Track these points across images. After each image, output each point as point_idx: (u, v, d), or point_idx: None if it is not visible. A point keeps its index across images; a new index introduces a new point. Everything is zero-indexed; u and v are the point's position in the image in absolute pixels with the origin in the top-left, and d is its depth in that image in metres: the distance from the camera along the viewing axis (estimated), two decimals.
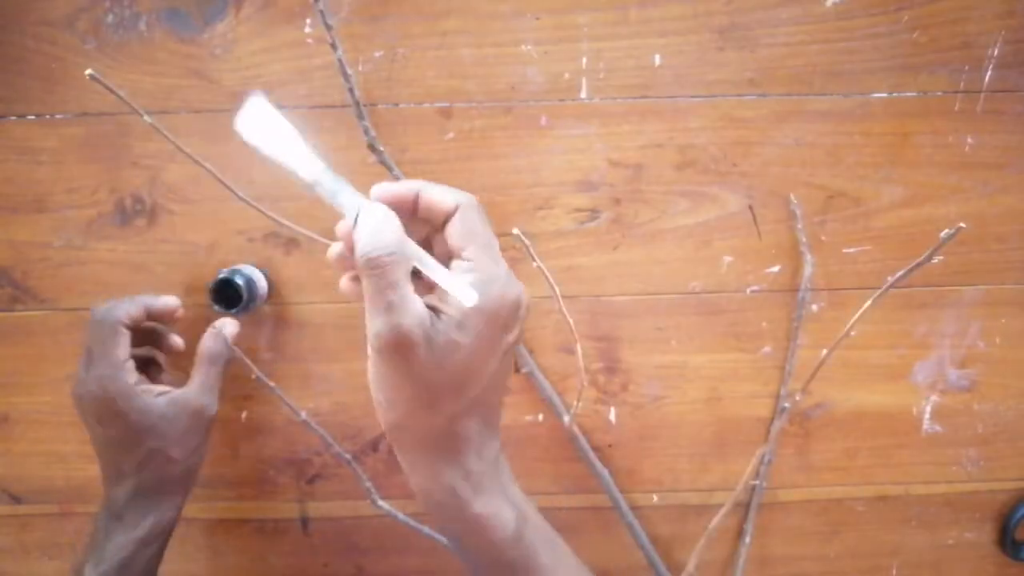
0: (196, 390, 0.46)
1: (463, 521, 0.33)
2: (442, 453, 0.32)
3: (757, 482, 0.55)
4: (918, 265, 0.44)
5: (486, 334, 0.31)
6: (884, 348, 0.54)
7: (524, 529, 0.33)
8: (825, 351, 0.51)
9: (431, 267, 0.31)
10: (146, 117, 0.45)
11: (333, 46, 0.48)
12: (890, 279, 0.49)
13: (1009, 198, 0.52)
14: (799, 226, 0.52)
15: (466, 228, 0.31)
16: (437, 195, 0.32)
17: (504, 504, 0.33)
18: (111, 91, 0.44)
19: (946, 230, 0.42)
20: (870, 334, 0.54)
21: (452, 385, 0.31)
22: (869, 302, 0.49)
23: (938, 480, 0.56)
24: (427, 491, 0.33)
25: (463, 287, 0.30)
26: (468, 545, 0.34)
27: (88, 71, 0.42)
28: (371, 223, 0.31)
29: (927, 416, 0.55)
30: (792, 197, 0.51)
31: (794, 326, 0.53)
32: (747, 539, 0.55)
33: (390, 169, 0.51)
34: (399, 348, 0.30)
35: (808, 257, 0.52)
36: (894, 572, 0.57)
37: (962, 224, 0.42)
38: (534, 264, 0.49)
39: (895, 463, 0.56)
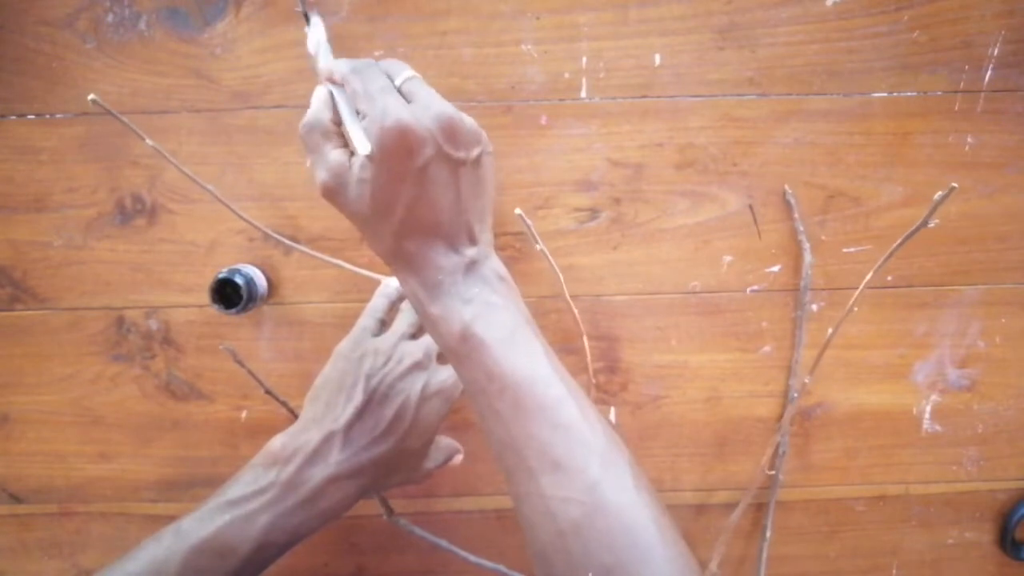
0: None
1: (422, 317, 0.39)
2: (400, 266, 0.39)
3: (774, 472, 0.55)
4: (915, 231, 0.44)
5: (383, 166, 0.36)
6: (884, 348, 0.54)
7: (473, 328, 0.37)
8: (830, 330, 0.51)
9: (346, 125, 0.38)
10: (148, 141, 0.45)
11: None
12: (890, 277, 0.49)
13: (1009, 198, 0.52)
14: (795, 216, 0.51)
15: (353, 90, 0.38)
16: (336, 72, 0.39)
17: (457, 307, 0.38)
18: (115, 116, 0.44)
19: (939, 192, 0.42)
20: (870, 334, 0.54)
21: (377, 213, 0.37)
22: (870, 274, 0.48)
23: (938, 480, 0.56)
24: (407, 296, 0.40)
25: (359, 138, 0.37)
26: (432, 337, 0.40)
27: (91, 96, 0.42)
28: (311, 103, 0.39)
29: (927, 416, 0.55)
30: (787, 188, 0.51)
31: (797, 315, 0.53)
32: (767, 533, 0.55)
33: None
34: (327, 195, 0.38)
35: (806, 245, 0.52)
36: (894, 572, 0.57)
37: (954, 184, 0.42)
38: (537, 246, 0.49)
39: (895, 463, 0.56)
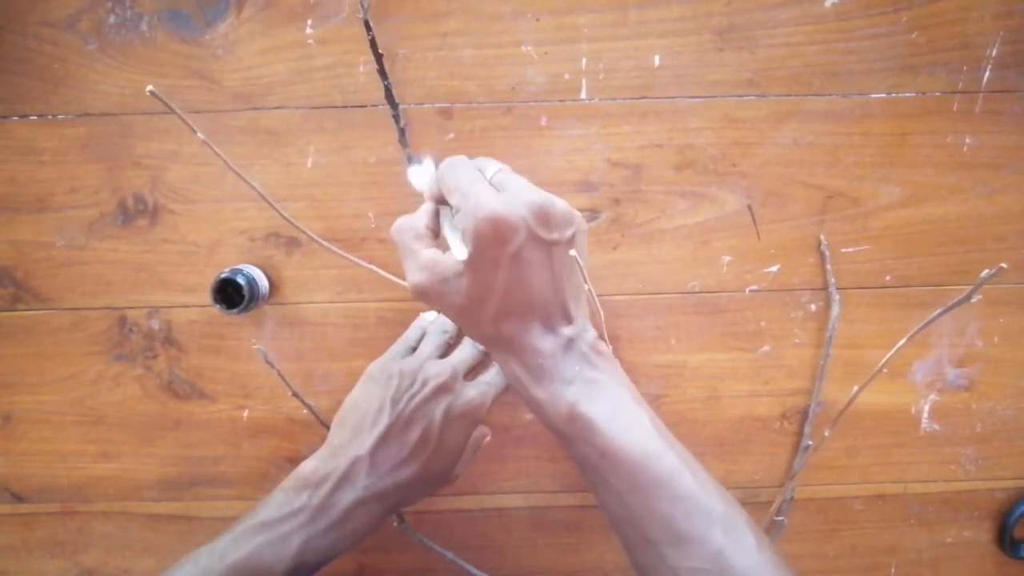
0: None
1: (527, 401, 0.40)
2: (500, 351, 0.40)
3: (797, 467, 0.55)
4: (956, 304, 0.45)
5: (477, 257, 0.37)
6: (883, 347, 0.54)
7: (579, 409, 0.38)
8: (856, 389, 0.51)
9: (445, 233, 0.41)
10: (199, 135, 0.45)
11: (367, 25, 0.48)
12: (935, 313, 0.49)
13: (1007, 198, 0.52)
14: (828, 267, 0.52)
15: (445, 186, 0.39)
16: (436, 176, 0.41)
17: (560, 389, 0.39)
18: (170, 108, 0.43)
19: (987, 270, 0.42)
20: (869, 333, 0.54)
21: (474, 300, 0.38)
22: (903, 340, 0.49)
23: (936, 479, 0.56)
24: (508, 378, 0.41)
25: (456, 243, 0.39)
26: (538, 419, 0.40)
27: (149, 88, 0.41)
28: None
29: (925, 415, 0.55)
30: (822, 237, 0.52)
31: (820, 364, 0.53)
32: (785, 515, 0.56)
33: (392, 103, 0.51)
34: (420, 295, 0.40)
35: (836, 296, 0.52)
36: (893, 570, 0.57)
37: (1003, 264, 0.42)
38: (585, 287, 0.49)
39: (894, 462, 0.56)
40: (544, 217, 0.37)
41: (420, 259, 0.39)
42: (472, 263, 0.37)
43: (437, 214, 0.42)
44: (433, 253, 0.39)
